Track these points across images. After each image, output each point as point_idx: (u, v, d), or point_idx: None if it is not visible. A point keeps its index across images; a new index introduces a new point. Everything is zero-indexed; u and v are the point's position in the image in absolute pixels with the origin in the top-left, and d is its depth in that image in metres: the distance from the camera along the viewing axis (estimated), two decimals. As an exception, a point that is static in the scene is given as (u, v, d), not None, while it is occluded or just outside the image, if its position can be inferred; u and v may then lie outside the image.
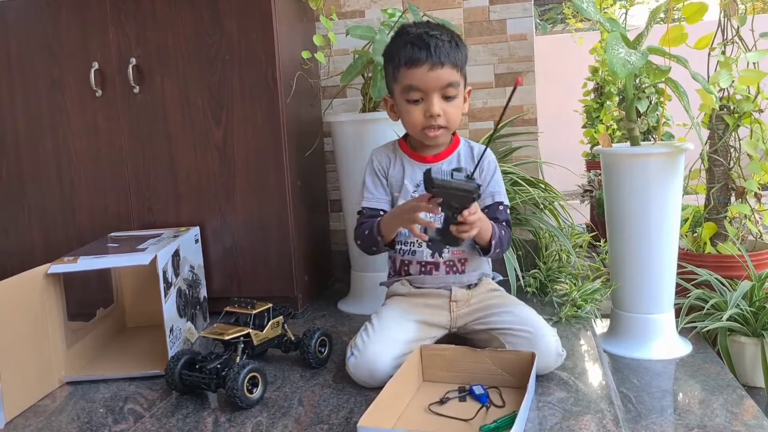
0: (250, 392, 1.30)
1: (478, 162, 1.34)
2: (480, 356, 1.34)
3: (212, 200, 1.89)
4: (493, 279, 1.56)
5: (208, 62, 1.83)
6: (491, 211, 1.48)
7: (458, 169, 1.22)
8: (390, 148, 1.56)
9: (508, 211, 1.52)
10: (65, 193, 1.97)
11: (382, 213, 1.50)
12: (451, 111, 1.42)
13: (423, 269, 1.50)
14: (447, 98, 1.41)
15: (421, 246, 1.48)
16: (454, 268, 1.50)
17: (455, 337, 1.50)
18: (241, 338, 1.40)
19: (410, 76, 1.40)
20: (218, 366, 1.33)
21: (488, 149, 1.49)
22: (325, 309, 1.99)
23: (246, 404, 1.29)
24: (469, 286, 1.50)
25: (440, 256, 1.48)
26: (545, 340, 1.35)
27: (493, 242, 1.41)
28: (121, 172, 1.92)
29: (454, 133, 1.53)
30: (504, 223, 1.48)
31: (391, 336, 1.38)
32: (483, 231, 1.37)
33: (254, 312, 1.45)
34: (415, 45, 1.38)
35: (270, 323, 1.47)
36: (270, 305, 1.49)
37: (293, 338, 1.53)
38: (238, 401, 1.27)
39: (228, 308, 1.48)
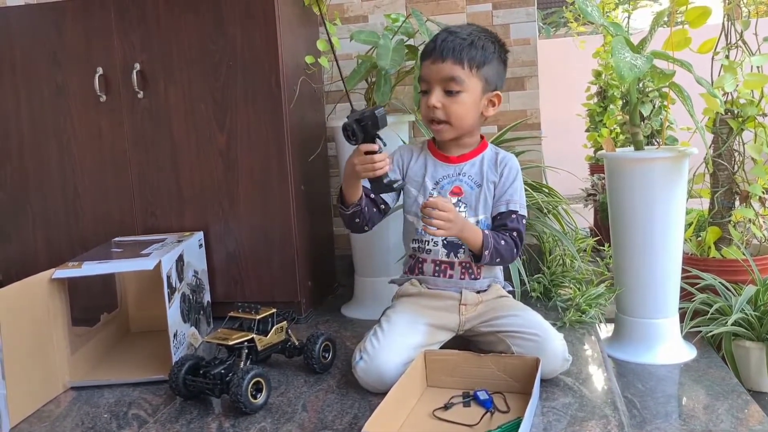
0: (254, 398, 1.30)
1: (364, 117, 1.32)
2: (484, 361, 1.34)
3: (216, 205, 1.89)
4: (503, 288, 1.56)
5: (212, 68, 1.84)
6: (502, 218, 1.48)
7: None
8: (418, 145, 1.59)
9: (524, 221, 1.49)
10: (69, 198, 1.97)
11: (381, 206, 1.51)
12: (452, 107, 1.43)
13: (437, 268, 1.50)
14: (450, 93, 1.42)
15: (437, 245, 1.49)
16: (470, 271, 1.49)
17: (461, 339, 1.50)
18: (245, 343, 1.40)
19: (422, 68, 1.47)
20: (222, 371, 1.33)
21: (512, 156, 1.52)
22: (328, 314, 1.99)
23: (250, 409, 1.29)
24: (479, 291, 1.50)
25: (455, 255, 1.48)
26: (553, 344, 1.35)
27: (485, 252, 1.40)
28: (124, 177, 1.93)
29: (482, 137, 1.55)
30: (514, 233, 1.46)
31: (401, 341, 1.38)
32: (466, 233, 1.39)
33: (258, 317, 1.44)
34: (432, 40, 1.46)
35: (274, 328, 1.47)
36: (274, 310, 1.49)
37: (297, 343, 1.53)
38: (242, 406, 1.27)
39: (232, 313, 1.48)
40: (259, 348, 1.43)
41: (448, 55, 1.41)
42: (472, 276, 1.49)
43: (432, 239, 1.48)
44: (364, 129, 1.30)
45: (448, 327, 1.47)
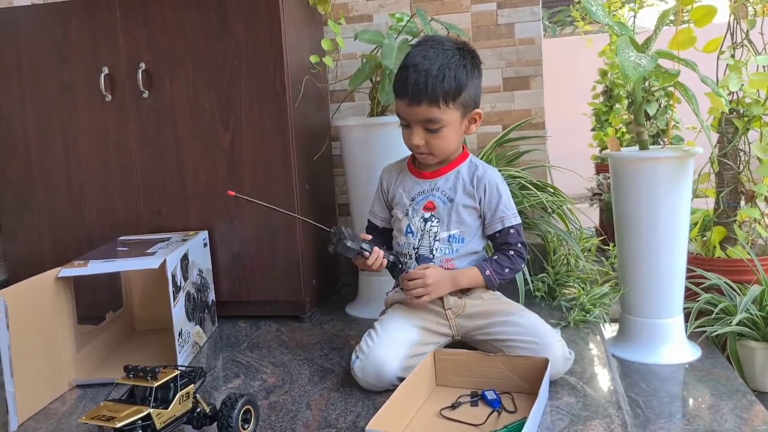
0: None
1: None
2: (493, 361, 1.34)
3: (221, 204, 1.89)
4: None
5: (217, 66, 1.84)
6: (502, 236, 1.48)
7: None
8: (398, 165, 1.58)
9: (521, 227, 1.49)
10: (74, 197, 1.98)
11: (376, 226, 1.60)
12: (435, 142, 1.42)
13: None
14: (430, 130, 1.41)
15: (411, 258, 1.49)
16: None
17: (462, 345, 1.49)
18: (139, 422, 1.07)
19: (397, 104, 1.44)
20: None
21: (491, 169, 1.49)
22: (332, 313, 2.00)
23: None
24: (463, 291, 1.48)
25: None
26: (551, 348, 1.34)
27: (495, 286, 1.46)
28: (130, 175, 1.93)
29: (464, 148, 1.53)
30: (518, 245, 1.47)
31: (396, 338, 1.39)
32: (462, 283, 1.44)
33: (156, 384, 1.11)
34: (402, 75, 1.40)
35: (178, 396, 1.14)
36: (177, 372, 1.16)
37: (208, 410, 1.20)
38: None
39: (119, 380, 1.15)
40: (158, 426, 1.10)
41: (423, 98, 1.36)
42: None
43: (408, 253, 1.49)
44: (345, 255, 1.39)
45: (442, 332, 1.47)
